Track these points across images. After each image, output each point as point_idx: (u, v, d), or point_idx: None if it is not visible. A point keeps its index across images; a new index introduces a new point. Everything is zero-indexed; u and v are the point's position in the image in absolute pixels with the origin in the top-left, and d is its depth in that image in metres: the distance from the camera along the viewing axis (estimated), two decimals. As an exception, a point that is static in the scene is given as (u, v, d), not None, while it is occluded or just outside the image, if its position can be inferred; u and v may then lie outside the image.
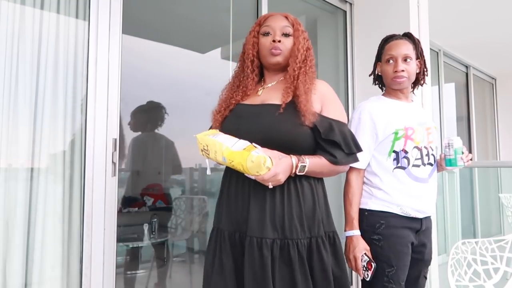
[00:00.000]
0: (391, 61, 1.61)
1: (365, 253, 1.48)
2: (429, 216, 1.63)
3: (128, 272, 3.12)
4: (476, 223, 4.54)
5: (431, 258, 1.66)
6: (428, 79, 1.78)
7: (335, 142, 1.29)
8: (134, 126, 3.11)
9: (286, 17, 1.40)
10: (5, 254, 1.62)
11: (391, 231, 1.51)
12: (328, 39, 3.38)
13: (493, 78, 6.37)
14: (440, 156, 1.67)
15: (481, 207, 4.66)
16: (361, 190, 1.58)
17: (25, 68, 1.72)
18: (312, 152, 1.32)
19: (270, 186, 1.19)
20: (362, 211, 1.57)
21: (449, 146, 1.60)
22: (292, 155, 1.24)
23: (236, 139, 1.23)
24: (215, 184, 4.78)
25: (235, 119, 1.37)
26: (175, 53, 3.99)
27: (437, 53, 4.82)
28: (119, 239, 1.89)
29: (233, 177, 1.34)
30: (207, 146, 1.26)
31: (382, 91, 1.76)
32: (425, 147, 1.59)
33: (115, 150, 1.87)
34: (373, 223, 1.53)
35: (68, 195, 1.79)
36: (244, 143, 1.20)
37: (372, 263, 1.44)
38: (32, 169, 1.71)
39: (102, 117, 1.85)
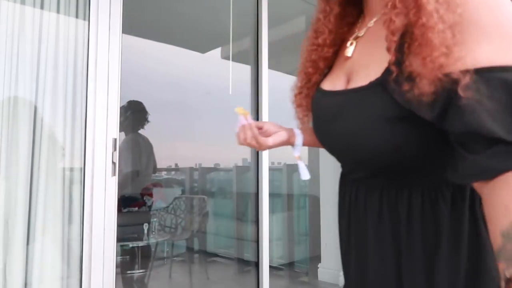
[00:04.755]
0: None
1: None
2: None
3: (128, 272, 3.13)
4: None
5: None
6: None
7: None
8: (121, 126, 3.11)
9: None
10: (5, 254, 1.63)
11: None
12: (328, 39, 3.37)
13: (493, 78, 6.37)
14: None
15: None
16: None
17: (25, 68, 1.72)
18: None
19: None
20: None
21: None
22: None
23: None
24: (215, 183, 4.77)
25: (314, 120, 0.81)
26: (175, 53, 3.99)
27: (437, 52, 4.80)
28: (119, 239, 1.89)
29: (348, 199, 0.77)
30: None
31: None
32: None
33: (115, 150, 1.87)
34: None
35: (68, 195, 1.79)
36: None
37: None
38: (32, 169, 1.71)
39: (102, 117, 1.85)
